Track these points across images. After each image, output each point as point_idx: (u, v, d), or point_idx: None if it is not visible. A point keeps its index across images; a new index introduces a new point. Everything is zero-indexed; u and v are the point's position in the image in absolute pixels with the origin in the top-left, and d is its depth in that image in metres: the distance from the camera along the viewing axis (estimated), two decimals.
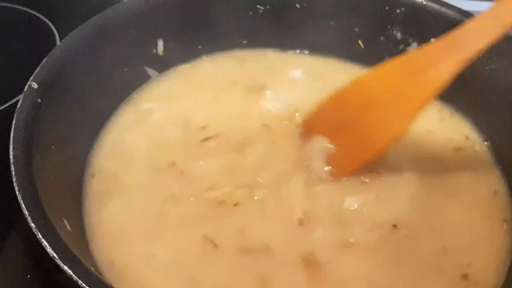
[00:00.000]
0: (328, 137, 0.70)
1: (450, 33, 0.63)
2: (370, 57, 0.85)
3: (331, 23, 0.85)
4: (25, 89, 0.61)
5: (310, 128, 0.72)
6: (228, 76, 0.82)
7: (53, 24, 0.96)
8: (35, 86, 0.61)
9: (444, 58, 0.63)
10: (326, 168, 0.68)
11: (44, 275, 0.64)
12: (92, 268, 0.48)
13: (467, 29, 0.63)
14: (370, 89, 0.68)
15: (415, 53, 0.67)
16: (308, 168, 0.69)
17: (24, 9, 0.99)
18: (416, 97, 0.64)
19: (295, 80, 0.84)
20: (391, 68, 0.67)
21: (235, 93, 0.80)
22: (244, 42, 0.86)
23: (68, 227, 0.56)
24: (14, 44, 0.94)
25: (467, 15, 0.77)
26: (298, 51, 0.88)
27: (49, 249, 0.46)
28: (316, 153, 0.69)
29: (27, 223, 0.49)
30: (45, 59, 0.64)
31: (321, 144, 0.70)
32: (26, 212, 0.49)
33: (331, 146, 0.69)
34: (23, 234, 0.67)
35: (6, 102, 0.79)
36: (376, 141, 0.67)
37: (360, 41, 0.86)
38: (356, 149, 0.68)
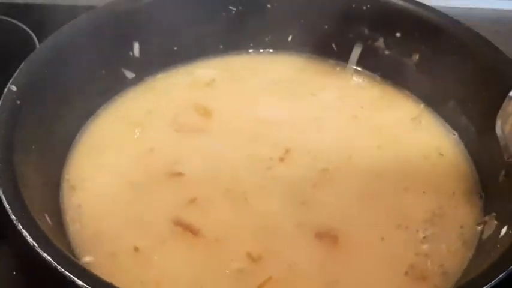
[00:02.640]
0: None
1: None
2: (341, 54, 0.89)
3: (302, 21, 0.88)
4: (4, 91, 0.63)
5: None
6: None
7: (33, 32, 0.98)
8: (14, 88, 0.63)
9: None
10: None
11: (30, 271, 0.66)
12: (72, 257, 0.51)
13: None
14: None
15: None
16: None
17: (4, 18, 1.01)
18: None
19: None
20: None
21: None
22: (219, 43, 0.89)
23: (49, 221, 0.58)
24: None
25: (431, 10, 0.81)
26: (271, 50, 0.91)
27: (29, 239, 0.49)
28: None
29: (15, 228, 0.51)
30: (23, 63, 0.67)
31: None
32: (7, 205, 0.51)
33: None
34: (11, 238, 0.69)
35: None
36: None
37: (333, 44, 0.89)
38: None
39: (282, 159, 0.72)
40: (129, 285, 0.57)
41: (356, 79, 0.87)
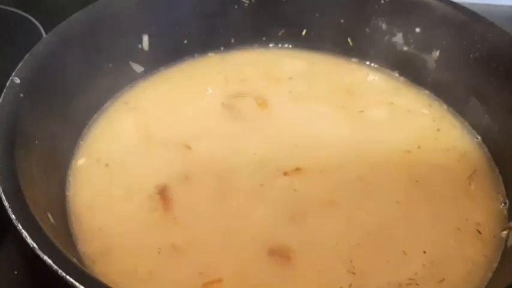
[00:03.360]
0: None
1: None
2: (357, 49, 0.86)
3: (317, 15, 0.85)
4: (7, 84, 0.61)
5: None
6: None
7: (40, 24, 0.96)
8: (17, 81, 0.61)
9: None
10: None
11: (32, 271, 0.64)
12: (74, 260, 0.48)
13: None
14: None
15: None
16: None
17: (12, 9, 0.99)
18: None
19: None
20: None
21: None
22: (231, 37, 0.86)
23: (52, 220, 0.56)
24: (1, 44, 0.94)
25: (453, 5, 0.77)
26: (286, 45, 0.88)
27: (29, 240, 0.46)
28: None
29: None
30: (27, 55, 0.64)
31: None
32: (7, 203, 0.49)
33: None
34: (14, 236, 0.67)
35: None
36: None
37: (348, 39, 0.86)
38: None
39: (285, 174, 0.68)
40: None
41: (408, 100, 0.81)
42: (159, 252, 0.60)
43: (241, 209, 0.65)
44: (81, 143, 0.71)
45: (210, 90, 0.80)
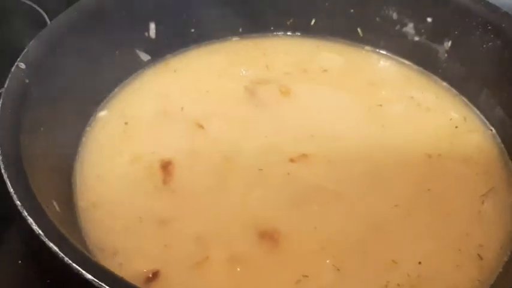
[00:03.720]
0: None
1: None
2: (366, 39, 0.85)
3: (326, 4, 0.84)
4: (12, 69, 0.60)
5: None
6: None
7: (45, 13, 0.95)
8: (23, 66, 0.60)
9: None
10: None
11: (36, 260, 0.63)
12: (80, 247, 0.47)
13: None
14: None
15: None
16: None
17: None
18: None
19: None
20: None
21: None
22: (239, 25, 0.85)
23: (57, 208, 0.55)
24: (5, 32, 0.93)
25: None
26: (298, 34, 0.87)
27: (35, 227, 0.45)
28: None
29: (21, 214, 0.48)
30: (32, 40, 0.63)
31: None
32: (12, 190, 0.48)
33: None
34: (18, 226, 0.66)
35: None
36: None
37: (358, 29, 0.85)
38: None
39: (292, 160, 0.67)
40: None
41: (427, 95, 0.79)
42: (140, 221, 0.60)
43: (239, 191, 0.64)
44: (107, 99, 0.74)
45: (244, 72, 0.80)
